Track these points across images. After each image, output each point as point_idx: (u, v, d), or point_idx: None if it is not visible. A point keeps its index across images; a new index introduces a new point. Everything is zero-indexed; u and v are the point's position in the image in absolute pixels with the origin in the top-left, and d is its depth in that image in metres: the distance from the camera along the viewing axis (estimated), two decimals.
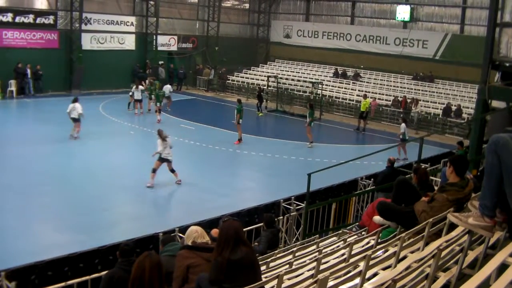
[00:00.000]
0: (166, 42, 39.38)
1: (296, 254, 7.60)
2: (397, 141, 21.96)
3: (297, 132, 23.66)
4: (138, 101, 28.17)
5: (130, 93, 28.65)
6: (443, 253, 4.15)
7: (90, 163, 18.84)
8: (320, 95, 32.69)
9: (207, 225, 10.31)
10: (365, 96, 29.70)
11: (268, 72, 39.42)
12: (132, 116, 27.34)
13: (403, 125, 22.21)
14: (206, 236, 5.61)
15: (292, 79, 37.57)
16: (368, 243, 6.65)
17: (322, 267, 5.11)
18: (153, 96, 28.34)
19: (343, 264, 5.09)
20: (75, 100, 21.69)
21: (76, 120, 21.53)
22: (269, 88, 35.23)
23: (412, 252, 5.07)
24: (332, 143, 23.82)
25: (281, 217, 12.88)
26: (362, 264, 4.37)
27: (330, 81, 37.40)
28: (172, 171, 16.91)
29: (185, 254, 5.20)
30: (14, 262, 9.64)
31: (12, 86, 30.20)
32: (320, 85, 33.11)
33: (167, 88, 29.94)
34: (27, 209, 14.30)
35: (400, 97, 32.09)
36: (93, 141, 22.05)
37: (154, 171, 16.58)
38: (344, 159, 19.61)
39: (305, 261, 6.39)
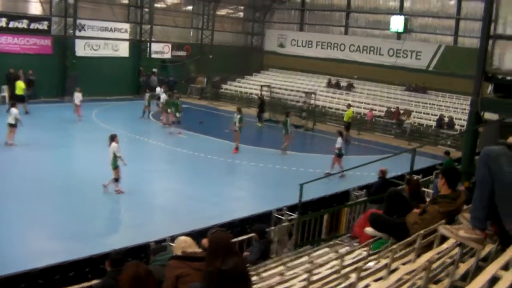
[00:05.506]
0: (160, 50, 39.43)
1: (288, 265, 7.58)
2: (334, 154, 20.82)
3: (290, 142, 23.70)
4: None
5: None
6: (435, 265, 4.14)
7: (81, 170, 18.73)
8: (313, 105, 32.71)
9: (198, 234, 10.25)
10: (348, 106, 29.71)
11: (261, 81, 39.43)
12: (126, 124, 27.22)
13: (339, 139, 21.05)
14: (195, 246, 5.58)
15: (286, 89, 37.60)
16: (359, 254, 6.64)
17: (313, 278, 5.09)
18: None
19: (335, 276, 5.08)
20: (12, 105, 21.24)
21: (12, 126, 20.82)
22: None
23: (403, 264, 5.06)
24: (325, 153, 23.80)
25: (273, 227, 12.82)
26: (353, 276, 4.36)
27: (323, 91, 37.51)
28: None
29: (174, 264, 5.16)
30: (4, 270, 9.54)
31: (5, 91, 30.00)
32: (313, 95, 33.14)
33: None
34: (18, 216, 14.15)
35: (393, 108, 32.22)
36: (85, 148, 21.95)
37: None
38: (336, 169, 19.61)
39: (297, 272, 6.37)
